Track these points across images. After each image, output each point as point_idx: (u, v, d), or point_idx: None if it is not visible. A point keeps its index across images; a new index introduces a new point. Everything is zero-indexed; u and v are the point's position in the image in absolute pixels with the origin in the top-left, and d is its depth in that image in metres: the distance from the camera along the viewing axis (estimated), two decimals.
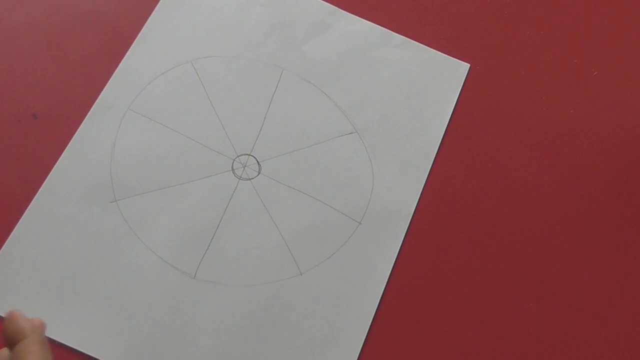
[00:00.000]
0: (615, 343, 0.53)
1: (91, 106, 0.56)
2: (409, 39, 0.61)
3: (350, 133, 0.57)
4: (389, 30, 0.61)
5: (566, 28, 0.63)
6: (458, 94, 0.60)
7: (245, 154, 0.56)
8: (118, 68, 0.57)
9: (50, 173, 0.53)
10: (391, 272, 0.53)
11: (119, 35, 0.58)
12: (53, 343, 0.48)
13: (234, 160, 0.55)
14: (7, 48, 0.57)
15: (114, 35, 0.58)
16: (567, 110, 0.60)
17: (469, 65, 0.61)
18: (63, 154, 0.54)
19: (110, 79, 0.57)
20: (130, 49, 0.58)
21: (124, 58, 0.58)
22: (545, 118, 0.59)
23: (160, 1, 0.60)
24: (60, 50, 0.57)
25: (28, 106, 0.55)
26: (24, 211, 0.52)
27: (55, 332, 0.48)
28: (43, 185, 0.53)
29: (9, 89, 0.56)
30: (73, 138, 0.54)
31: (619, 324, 0.53)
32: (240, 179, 0.55)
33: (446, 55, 0.61)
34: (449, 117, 0.58)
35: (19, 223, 0.51)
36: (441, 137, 0.58)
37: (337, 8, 0.62)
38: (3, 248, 0.51)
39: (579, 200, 0.57)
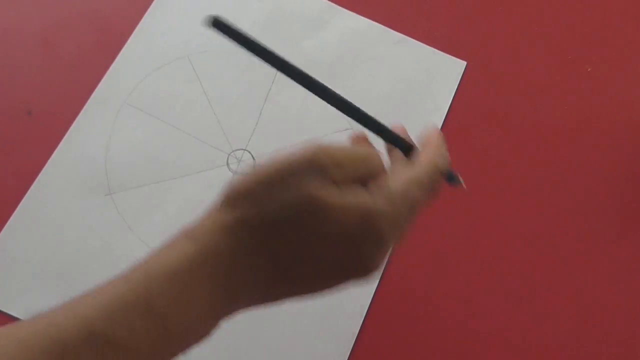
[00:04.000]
0: (615, 342, 0.53)
1: (85, 103, 0.56)
2: (406, 37, 0.61)
3: (346, 129, 0.57)
4: (386, 28, 0.61)
5: (560, 25, 0.63)
6: (454, 92, 0.60)
7: (240, 149, 0.56)
8: (114, 62, 0.57)
9: (45, 166, 0.53)
10: (384, 270, 0.53)
11: (115, 30, 0.59)
12: None
13: (229, 154, 0.55)
14: (1, 45, 0.57)
15: (110, 30, 0.59)
16: (561, 106, 0.60)
17: (465, 62, 0.61)
18: (58, 146, 0.54)
19: (107, 73, 0.57)
20: (126, 43, 0.58)
21: (121, 52, 0.58)
22: (540, 115, 0.59)
23: None
24: (54, 46, 0.58)
25: (22, 103, 0.55)
26: (17, 206, 0.52)
27: None
28: (38, 177, 0.53)
29: (2, 85, 0.56)
30: (69, 131, 0.54)
31: (618, 322, 0.53)
32: (235, 173, 0.55)
33: (443, 53, 0.61)
34: (445, 114, 0.58)
35: (12, 215, 0.51)
36: None
37: (335, 5, 0.62)
38: None
39: (575, 196, 0.57)
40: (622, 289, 0.54)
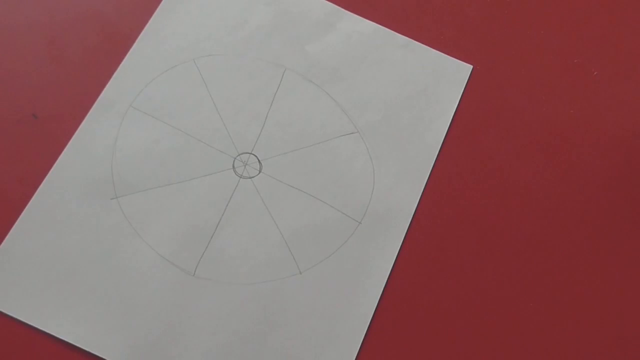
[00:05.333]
0: (615, 344, 0.53)
1: (91, 106, 0.56)
2: (412, 40, 0.61)
3: (352, 133, 0.57)
4: (392, 31, 0.61)
5: (567, 28, 0.63)
6: (460, 95, 0.60)
7: (246, 153, 0.56)
8: (120, 66, 0.57)
9: (51, 169, 0.53)
10: (390, 272, 0.53)
11: (121, 34, 0.59)
12: (51, 339, 0.48)
13: (235, 158, 0.55)
14: (7, 47, 0.57)
15: (116, 33, 0.59)
16: (567, 110, 0.60)
17: (471, 66, 0.61)
18: (64, 150, 0.54)
19: (113, 77, 0.57)
20: (132, 46, 0.58)
21: (127, 56, 0.58)
22: (546, 118, 0.59)
23: None
24: (60, 49, 0.58)
25: (28, 106, 0.55)
26: (23, 209, 0.52)
27: (54, 328, 0.49)
28: (44, 181, 0.53)
29: (8, 88, 0.56)
30: (74, 135, 0.54)
31: (618, 325, 0.53)
32: (241, 177, 0.55)
33: (449, 57, 0.61)
34: (451, 118, 0.58)
35: (19, 219, 0.51)
36: (443, 138, 0.58)
37: (340, 8, 0.62)
38: (2, 245, 0.51)
39: (580, 200, 0.57)
40: (629, 293, 0.54)
